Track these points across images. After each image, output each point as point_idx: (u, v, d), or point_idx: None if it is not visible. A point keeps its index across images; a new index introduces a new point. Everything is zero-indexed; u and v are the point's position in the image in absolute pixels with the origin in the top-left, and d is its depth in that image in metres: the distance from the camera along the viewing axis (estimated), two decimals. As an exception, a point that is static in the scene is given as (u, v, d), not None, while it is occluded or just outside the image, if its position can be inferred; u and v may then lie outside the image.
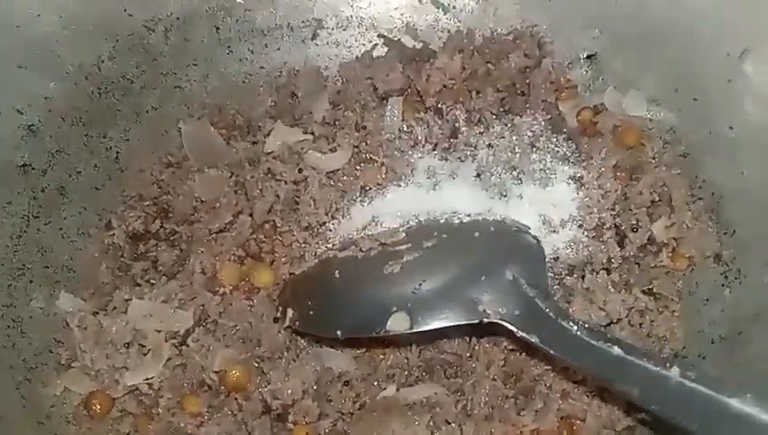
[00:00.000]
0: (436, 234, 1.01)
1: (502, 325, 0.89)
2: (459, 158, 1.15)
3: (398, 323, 0.91)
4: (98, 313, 1.01)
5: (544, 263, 0.97)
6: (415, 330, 0.91)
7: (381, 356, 1.04)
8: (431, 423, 0.93)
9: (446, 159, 1.15)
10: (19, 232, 1.05)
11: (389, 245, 1.01)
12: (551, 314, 0.87)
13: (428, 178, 1.14)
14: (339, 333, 0.94)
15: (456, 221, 1.05)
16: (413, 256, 0.96)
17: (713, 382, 0.73)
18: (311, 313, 0.97)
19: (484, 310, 0.90)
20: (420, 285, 0.93)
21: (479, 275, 0.92)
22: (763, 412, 0.69)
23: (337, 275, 0.99)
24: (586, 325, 0.85)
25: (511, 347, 1.02)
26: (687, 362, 1.02)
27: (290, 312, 0.99)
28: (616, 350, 0.80)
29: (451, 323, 0.91)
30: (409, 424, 0.92)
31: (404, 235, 1.03)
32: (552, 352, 0.86)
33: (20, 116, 1.07)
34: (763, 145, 1.05)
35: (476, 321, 0.90)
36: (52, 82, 1.11)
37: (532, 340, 0.86)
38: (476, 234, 0.99)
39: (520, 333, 0.87)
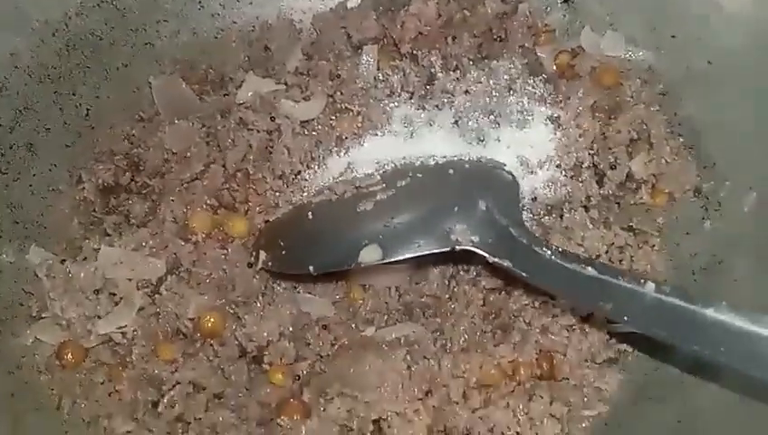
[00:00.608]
0: (410, 174, 1.00)
1: (476, 254, 0.88)
2: (436, 105, 1.13)
3: (369, 255, 0.90)
4: (65, 260, 0.99)
5: (518, 195, 0.96)
6: (387, 260, 0.90)
7: (360, 301, 1.03)
8: (408, 358, 0.92)
9: (423, 107, 1.14)
10: (-13, 189, 1.04)
11: (364, 187, 1.00)
12: (523, 240, 0.86)
13: (405, 126, 1.12)
14: (311, 268, 0.92)
15: (432, 163, 1.04)
16: (386, 194, 0.95)
17: (687, 295, 0.72)
18: (283, 253, 0.96)
19: (456, 238, 0.88)
20: (392, 218, 0.92)
21: (452, 206, 0.91)
22: (738, 318, 0.68)
23: (310, 217, 0.97)
24: (560, 249, 0.83)
25: (490, 287, 1.01)
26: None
27: (263, 254, 0.98)
28: (590, 270, 0.79)
29: (423, 253, 0.90)
30: (386, 359, 0.91)
31: (379, 178, 1.02)
32: (525, 275, 0.84)
33: (-15, 72, 1.05)
34: (741, 77, 1.04)
35: (448, 248, 0.89)
36: (18, 37, 1.09)
37: (505, 265, 0.85)
38: (451, 171, 0.98)
39: (492, 259, 0.86)
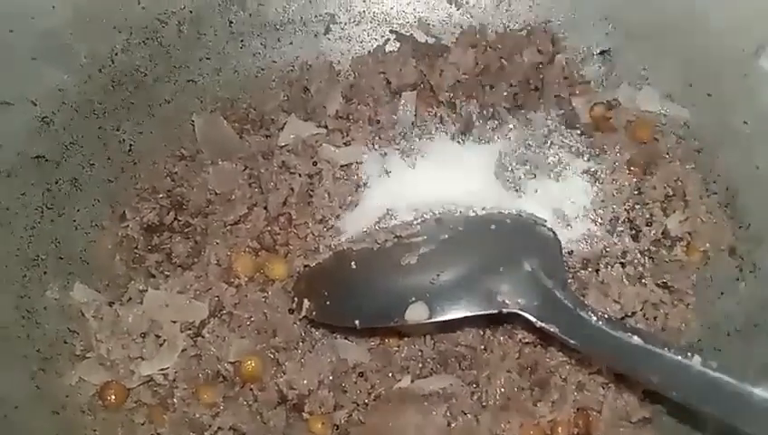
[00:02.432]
0: (451, 226, 1.01)
1: (520, 316, 0.89)
2: (474, 154, 1.15)
3: (416, 313, 0.91)
4: (113, 303, 1.01)
5: (561, 255, 0.97)
6: (433, 320, 0.91)
7: (396, 348, 1.03)
8: (447, 414, 0.93)
9: (461, 155, 1.15)
10: (33, 223, 1.05)
11: (405, 237, 1.01)
12: (569, 304, 0.87)
13: (443, 172, 1.13)
14: (357, 322, 0.93)
15: (472, 214, 1.05)
16: (429, 247, 0.96)
17: (734, 371, 0.73)
18: (327, 303, 0.97)
19: (504, 300, 0.90)
20: (438, 275, 0.93)
21: (497, 266, 0.92)
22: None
23: (353, 266, 0.99)
24: (605, 315, 0.85)
25: (526, 340, 1.01)
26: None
27: (306, 302, 0.99)
28: (635, 339, 0.80)
29: (470, 313, 0.91)
30: (425, 414, 0.92)
31: (419, 228, 1.03)
32: (571, 341, 0.86)
33: (34, 107, 1.07)
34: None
35: (495, 311, 0.90)
36: (66, 74, 1.11)
37: (552, 330, 0.86)
38: (492, 226, 0.99)
39: (540, 323, 0.87)
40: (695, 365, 0.75)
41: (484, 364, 1.00)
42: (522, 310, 0.89)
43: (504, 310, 0.89)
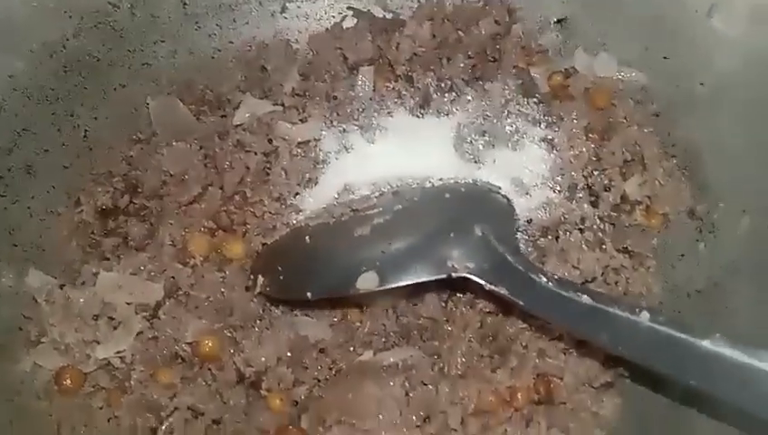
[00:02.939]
0: (407, 198, 1.00)
1: (472, 280, 0.89)
2: (432, 126, 1.14)
3: (367, 282, 0.91)
4: (64, 285, 1.00)
5: (514, 220, 0.97)
6: (384, 287, 0.91)
7: (358, 324, 1.03)
8: (406, 384, 0.93)
9: (419, 128, 1.14)
10: (-14, 211, 1.04)
11: (361, 211, 1.00)
12: (520, 267, 0.87)
13: (401, 146, 1.13)
14: (309, 294, 0.93)
15: (428, 186, 1.04)
16: (383, 218, 0.96)
17: (682, 325, 0.73)
18: (281, 277, 0.96)
19: (453, 265, 0.89)
20: (390, 244, 0.92)
21: (448, 232, 0.92)
22: (734, 351, 0.69)
23: (308, 241, 0.98)
24: (555, 276, 0.84)
25: (487, 310, 1.01)
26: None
27: (260, 278, 0.98)
28: (585, 298, 0.80)
29: (420, 280, 0.91)
30: (384, 386, 0.91)
31: (375, 201, 1.02)
32: (520, 302, 0.85)
33: (-16, 94, 1.05)
34: (734, 99, 1.05)
35: (444, 276, 0.90)
36: (17, 60, 1.09)
37: (501, 292, 0.86)
38: (447, 195, 0.99)
39: (489, 286, 0.87)
40: (643, 321, 0.75)
41: (445, 335, 1.00)
42: (471, 274, 0.88)
43: (454, 274, 0.89)
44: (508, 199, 0.98)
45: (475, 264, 0.88)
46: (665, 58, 1.12)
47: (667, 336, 0.73)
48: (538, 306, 0.85)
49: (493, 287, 0.87)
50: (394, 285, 0.91)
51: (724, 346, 0.70)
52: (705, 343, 0.71)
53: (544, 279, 0.84)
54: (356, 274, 0.90)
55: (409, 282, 0.91)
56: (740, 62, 1.04)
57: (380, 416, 0.90)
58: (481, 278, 0.87)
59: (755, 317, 0.93)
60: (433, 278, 0.90)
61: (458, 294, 1.03)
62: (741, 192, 1.02)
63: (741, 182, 1.02)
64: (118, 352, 0.97)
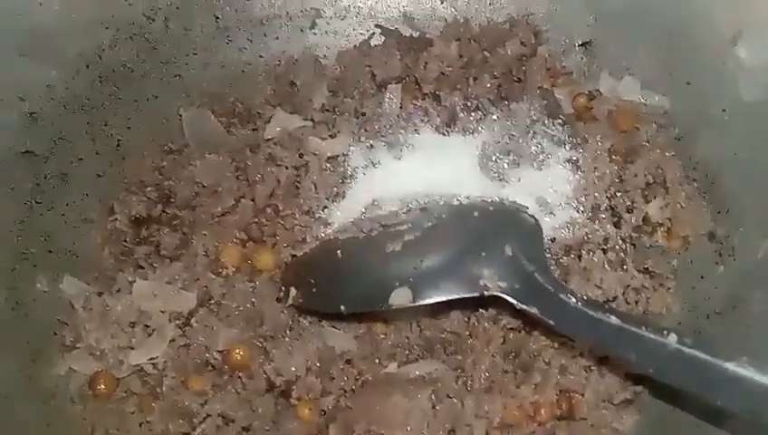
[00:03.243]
0: (435, 215, 1.03)
1: (502, 299, 0.91)
2: (458, 145, 1.16)
3: (400, 298, 0.93)
4: (102, 293, 1.02)
5: (542, 240, 0.99)
6: (417, 304, 0.93)
7: (382, 336, 1.05)
8: (432, 397, 0.95)
9: (446, 146, 1.17)
10: (22, 217, 1.06)
11: (390, 226, 1.02)
12: (549, 287, 0.89)
13: (427, 164, 1.15)
14: (342, 308, 0.95)
15: (456, 203, 1.06)
16: (413, 235, 0.98)
17: (709, 347, 0.75)
18: (314, 290, 0.98)
19: (485, 284, 0.91)
20: (421, 261, 0.94)
21: (479, 251, 0.94)
22: (760, 374, 0.71)
23: (339, 255, 1.00)
24: (584, 297, 0.86)
25: (510, 326, 1.03)
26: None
27: (293, 290, 1.00)
28: (613, 319, 0.82)
29: (452, 297, 0.92)
30: (411, 398, 0.93)
31: (404, 217, 1.05)
32: (551, 322, 0.87)
33: (22, 103, 1.08)
34: (755, 126, 1.07)
35: (477, 294, 0.92)
36: (54, 69, 1.12)
37: (532, 311, 0.88)
38: (475, 213, 1.00)
39: (520, 306, 0.89)
40: (671, 343, 0.77)
41: (469, 350, 1.01)
42: (502, 293, 0.90)
43: (486, 293, 0.91)
44: (536, 219, 1.00)
45: (507, 283, 0.90)
46: (688, 84, 1.14)
47: (694, 358, 0.75)
48: (568, 326, 0.87)
49: (524, 307, 0.89)
50: (427, 302, 0.93)
51: (749, 368, 0.72)
52: (731, 365, 0.73)
53: (573, 299, 0.86)
54: (389, 289, 0.93)
55: (442, 298, 0.93)
56: (763, 91, 1.06)
57: (408, 427, 0.91)
58: (513, 298, 0.90)
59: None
60: (465, 296, 0.92)
61: (481, 310, 1.05)
62: (761, 217, 1.04)
63: (761, 207, 1.04)
64: (151, 359, 0.99)
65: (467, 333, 1.04)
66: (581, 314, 0.85)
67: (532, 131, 1.16)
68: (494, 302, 0.97)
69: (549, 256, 1.07)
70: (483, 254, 0.93)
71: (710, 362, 0.74)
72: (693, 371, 0.75)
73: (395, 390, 0.94)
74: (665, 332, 0.78)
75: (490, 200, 1.06)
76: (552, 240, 1.08)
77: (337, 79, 1.25)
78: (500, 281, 0.91)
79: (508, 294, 0.90)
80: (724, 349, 0.75)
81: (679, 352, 0.76)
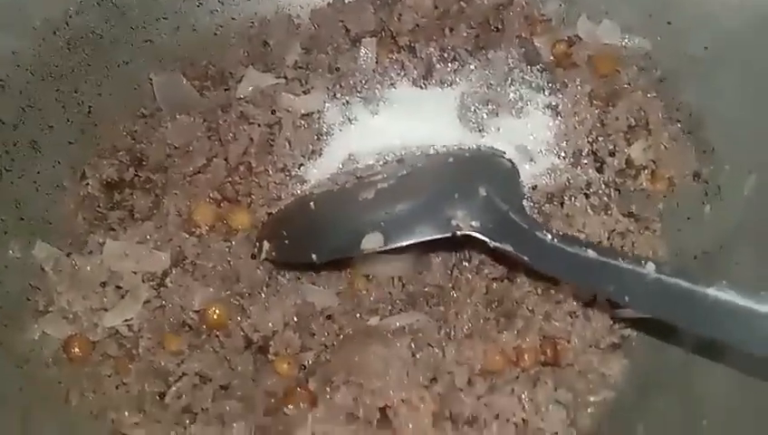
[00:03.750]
0: (411, 164, 1.01)
1: (483, 245, 0.89)
2: (435, 96, 1.14)
3: (371, 242, 0.91)
4: (71, 253, 1.00)
5: (518, 181, 0.97)
6: (388, 247, 0.91)
7: (364, 292, 1.03)
8: (412, 346, 0.93)
9: (422, 98, 1.15)
10: (-8, 185, 1.04)
11: (365, 178, 1.01)
12: (524, 224, 0.87)
13: (404, 117, 1.13)
14: (314, 257, 0.93)
15: (432, 152, 1.04)
16: (387, 183, 0.96)
17: (688, 275, 0.72)
18: (286, 242, 0.97)
19: (457, 224, 0.89)
20: (394, 206, 0.92)
21: (452, 193, 0.92)
22: (740, 296, 0.69)
23: (312, 207, 0.98)
24: (560, 233, 0.84)
25: (493, 276, 1.01)
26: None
27: (266, 244, 0.98)
28: (590, 252, 0.80)
29: (424, 238, 0.91)
30: (390, 347, 0.91)
31: (380, 168, 1.03)
32: (526, 259, 0.85)
33: (-12, 71, 1.06)
34: (739, 62, 1.05)
35: (449, 234, 0.90)
36: (20, 37, 1.10)
37: (506, 248, 0.86)
38: (450, 159, 0.99)
39: (493, 244, 0.87)
40: (650, 273, 0.75)
41: (451, 301, 1.00)
42: (475, 232, 0.88)
43: (458, 232, 0.89)
44: (512, 162, 0.98)
45: (480, 222, 0.88)
46: (668, 23, 1.12)
47: (673, 286, 0.73)
48: (543, 262, 0.85)
49: (497, 244, 0.87)
50: (398, 244, 0.91)
51: (728, 292, 0.70)
52: (711, 290, 0.71)
53: (549, 235, 0.84)
54: (360, 235, 0.91)
55: (413, 241, 0.91)
56: (743, 24, 1.04)
57: (387, 376, 0.90)
58: (485, 236, 0.87)
59: (760, 277, 0.92)
60: (437, 237, 0.90)
61: (464, 262, 1.04)
62: (746, 154, 1.01)
63: (746, 144, 1.02)
64: (125, 321, 0.97)
65: (450, 285, 1.02)
66: (557, 249, 0.82)
67: (510, 79, 1.14)
68: (476, 247, 0.95)
69: (531, 204, 1.05)
70: (456, 195, 0.91)
71: (690, 290, 0.72)
72: (673, 299, 0.73)
73: (374, 340, 0.92)
74: (642, 262, 0.75)
75: (467, 147, 1.03)
76: (534, 187, 1.06)
77: (311, 36, 1.23)
78: (473, 221, 0.89)
79: (481, 233, 0.88)
80: (703, 277, 0.72)
81: (658, 282, 0.74)
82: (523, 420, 0.92)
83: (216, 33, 1.26)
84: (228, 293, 0.99)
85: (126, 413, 0.95)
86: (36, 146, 1.10)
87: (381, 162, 1.07)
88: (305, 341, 0.97)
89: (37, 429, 0.93)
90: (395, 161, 1.04)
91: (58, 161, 1.11)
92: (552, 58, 1.18)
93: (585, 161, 1.08)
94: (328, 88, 1.15)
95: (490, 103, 1.12)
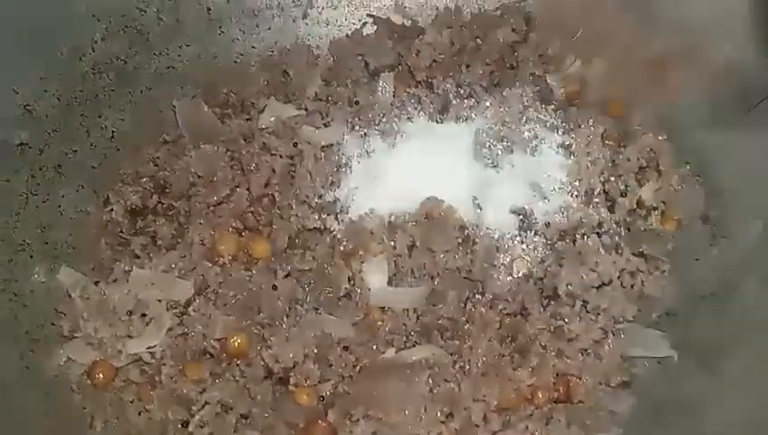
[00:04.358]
0: None
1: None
2: (451, 131, 1.17)
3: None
4: (99, 282, 1.02)
5: None
6: None
7: (380, 323, 1.05)
8: (430, 381, 0.95)
9: (439, 133, 1.17)
10: (18, 209, 1.06)
11: None
12: None
13: (421, 152, 1.15)
14: None
15: None
16: None
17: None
18: None
19: None
20: None
21: None
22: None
23: None
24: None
25: (506, 311, 1.03)
26: (678, 320, 1.04)
27: None
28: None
29: None
30: (409, 382, 0.94)
31: None
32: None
33: (16, 96, 1.07)
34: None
35: None
36: (47, 62, 1.11)
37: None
38: None
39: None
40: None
41: (465, 335, 1.02)
42: None
43: None
44: None
45: None
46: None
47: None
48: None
49: None
50: None
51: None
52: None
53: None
54: None
55: None
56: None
57: (405, 411, 0.92)
58: None
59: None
60: None
61: (477, 296, 1.06)
62: (753, 198, 1.05)
63: (753, 188, 1.05)
64: (148, 348, 0.99)
65: (464, 318, 1.04)
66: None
67: (524, 117, 1.17)
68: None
69: (544, 241, 1.07)
70: None
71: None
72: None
73: (392, 374, 0.95)
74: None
75: None
76: (547, 225, 1.09)
77: (330, 68, 1.26)
78: None
79: None
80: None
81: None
82: (537, 456, 0.95)
83: (236, 62, 1.29)
84: (249, 322, 1.01)
85: (151, 440, 0.97)
86: (60, 170, 1.12)
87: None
88: (323, 371, 0.99)
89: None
90: None
91: (81, 186, 1.13)
92: (563, 96, 1.21)
93: (597, 200, 1.11)
94: (347, 120, 1.17)
95: (505, 140, 1.15)
